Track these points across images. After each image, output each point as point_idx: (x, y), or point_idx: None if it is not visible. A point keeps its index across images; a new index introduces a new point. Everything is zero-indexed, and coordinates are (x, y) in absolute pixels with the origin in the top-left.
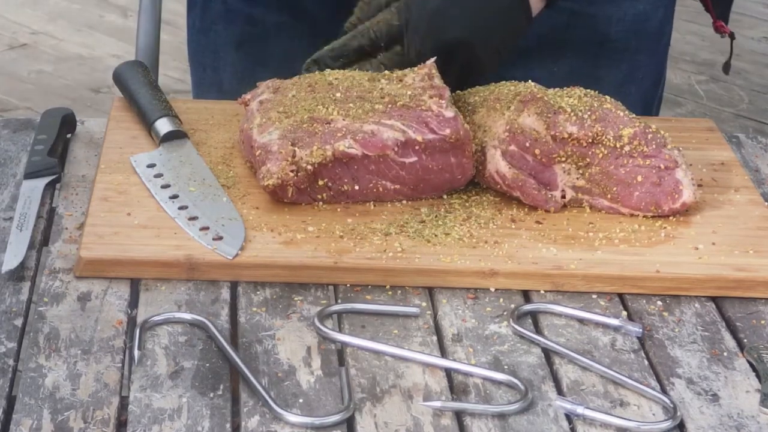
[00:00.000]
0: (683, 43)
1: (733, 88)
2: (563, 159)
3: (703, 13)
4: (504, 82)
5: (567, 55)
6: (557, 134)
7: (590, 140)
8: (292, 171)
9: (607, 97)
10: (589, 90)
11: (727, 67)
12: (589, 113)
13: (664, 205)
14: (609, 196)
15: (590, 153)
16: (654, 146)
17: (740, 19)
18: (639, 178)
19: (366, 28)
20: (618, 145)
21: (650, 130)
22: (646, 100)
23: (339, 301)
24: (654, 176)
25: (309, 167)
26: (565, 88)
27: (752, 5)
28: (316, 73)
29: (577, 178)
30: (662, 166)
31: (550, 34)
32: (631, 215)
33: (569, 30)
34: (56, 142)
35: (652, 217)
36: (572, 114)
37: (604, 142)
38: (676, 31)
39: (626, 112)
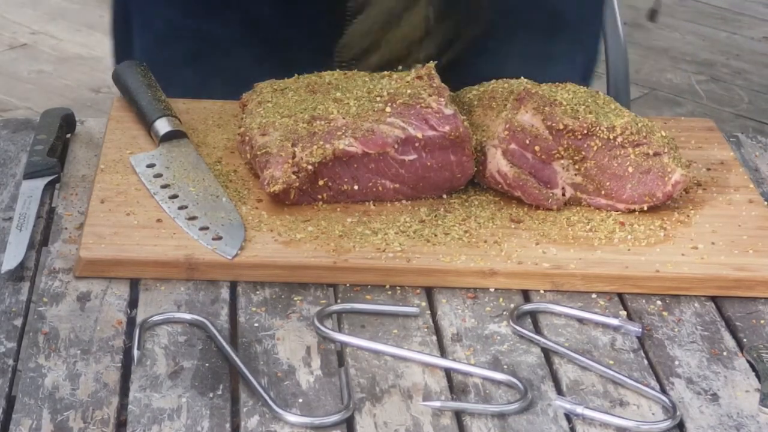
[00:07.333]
0: (683, 43)
1: (733, 88)
2: (561, 155)
3: (704, 13)
4: (496, 80)
5: (519, 34)
6: (554, 125)
7: (585, 131)
8: (294, 173)
9: (600, 92)
10: (580, 86)
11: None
12: (584, 106)
13: (657, 192)
14: (603, 192)
15: (585, 146)
16: (644, 133)
17: (740, 19)
18: (630, 170)
19: None
20: (611, 137)
21: (640, 120)
22: (587, 65)
23: (338, 300)
24: (643, 164)
25: (309, 167)
26: (558, 84)
27: (752, 5)
28: (314, 73)
29: (575, 175)
30: (651, 152)
31: (502, 17)
32: (629, 210)
33: (521, 10)
34: (56, 142)
35: (652, 216)
36: (567, 106)
37: (598, 134)
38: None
39: (618, 105)
